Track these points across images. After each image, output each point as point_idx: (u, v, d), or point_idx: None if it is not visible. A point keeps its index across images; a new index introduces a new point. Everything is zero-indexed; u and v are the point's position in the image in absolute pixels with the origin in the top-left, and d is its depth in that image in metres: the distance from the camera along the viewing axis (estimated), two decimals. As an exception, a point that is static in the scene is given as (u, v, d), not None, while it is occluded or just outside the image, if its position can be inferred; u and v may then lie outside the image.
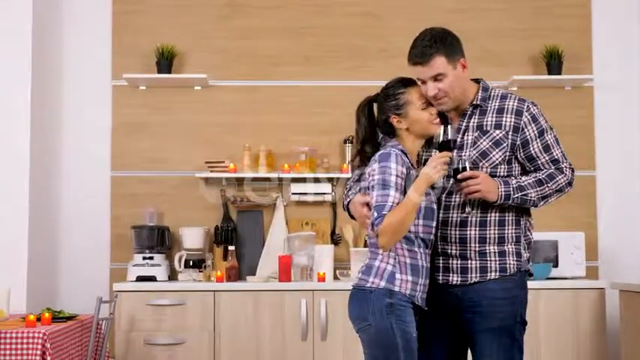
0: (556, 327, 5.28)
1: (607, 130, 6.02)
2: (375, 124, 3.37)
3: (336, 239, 5.82)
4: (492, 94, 3.37)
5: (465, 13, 6.06)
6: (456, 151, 3.26)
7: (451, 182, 3.28)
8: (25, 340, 4.06)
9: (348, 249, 5.69)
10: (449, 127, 3.22)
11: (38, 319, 4.51)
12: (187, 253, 5.65)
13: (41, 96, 5.58)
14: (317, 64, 5.99)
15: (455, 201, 3.30)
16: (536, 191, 3.27)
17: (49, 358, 4.03)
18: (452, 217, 3.31)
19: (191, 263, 5.62)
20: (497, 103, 3.34)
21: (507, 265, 3.29)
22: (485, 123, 3.31)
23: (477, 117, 3.33)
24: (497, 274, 3.28)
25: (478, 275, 3.28)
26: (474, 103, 3.33)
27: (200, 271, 5.56)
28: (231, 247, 5.58)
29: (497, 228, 3.29)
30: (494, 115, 3.32)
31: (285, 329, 5.23)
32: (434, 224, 3.28)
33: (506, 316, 3.28)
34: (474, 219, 3.28)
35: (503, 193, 3.22)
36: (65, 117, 5.93)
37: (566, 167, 3.34)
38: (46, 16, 5.70)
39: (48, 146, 5.73)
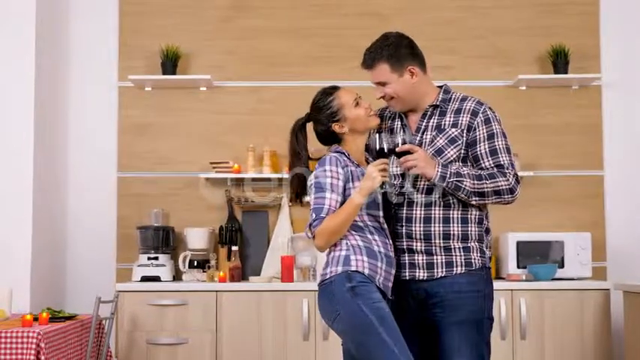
0: (561, 328, 5.23)
1: (615, 130, 5.96)
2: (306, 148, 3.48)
3: (340, 240, 5.80)
4: (453, 96, 3.46)
5: (471, 12, 6.02)
6: (393, 157, 3.33)
7: (395, 188, 3.38)
8: (19, 340, 4.09)
9: (352, 249, 5.67)
10: (383, 134, 3.32)
11: (36, 319, 4.54)
12: (192, 254, 5.66)
13: (47, 96, 5.62)
14: (322, 65, 5.98)
15: (418, 199, 3.37)
16: (473, 183, 3.27)
17: (43, 357, 4.06)
18: (416, 213, 3.36)
19: (195, 263, 5.64)
20: (456, 105, 3.43)
21: (472, 260, 3.35)
22: (443, 123, 3.40)
23: (436, 117, 3.42)
24: (464, 268, 3.34)
25: (444, 270, 3.33)
26: (434, 103, 3.42)
27: (204, 272, 5.57)
28: (234, 248, 5.59)
29: (460, 225, 3.35)
30: (453, 115, 3.40)
31: (287, 329, 5.23)
32: (380, 213, 3.36)
33: (473, 310, 3.32)
34: (437, 215, 3.33)
35: (439, 173, 3.27)
36: (72, 118, 5.97)
37: (509, 174, 3.33)
38: (52, 18, 5.74)
39: (54, 147, 5.77)
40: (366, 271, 3.24)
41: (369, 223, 3.32)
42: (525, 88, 5.93)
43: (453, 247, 3.33)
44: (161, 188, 5.95)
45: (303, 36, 6.03)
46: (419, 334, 3.40)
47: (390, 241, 3.37)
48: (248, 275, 5.68)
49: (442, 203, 3.34)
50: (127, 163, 5.95)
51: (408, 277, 3.37)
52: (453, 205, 3.34)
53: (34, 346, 4.07)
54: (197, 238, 5.69)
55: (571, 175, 5.92)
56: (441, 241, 3.33)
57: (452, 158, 3.34)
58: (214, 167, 5.78)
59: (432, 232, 3.33)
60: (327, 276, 3.28)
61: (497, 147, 3.35)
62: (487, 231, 3.45)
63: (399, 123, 3.48)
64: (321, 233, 3.22)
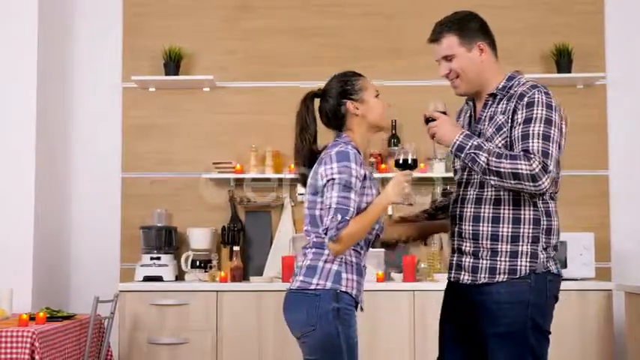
0: (562, 328, 5.18)
1: (620, 129, 5.92)
2: (315, 122, 3.32)
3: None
4: (515, 83, 3.21)
5: (474, 11, 5.97)
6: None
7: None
8: (14, 339, 4.13)
9: (355, 249, 5.66)
10: (408, 145, 3.24)
11: (33, 319, 4.57)
12: (194, 254, 5.68)
13: (51, 97, 5.66)
14: (324, 65, 5.95)
15: (470, 195, 3.22)
16: (489, 159, 3.03)
17: (37, 357, 4.09)
18: (466, 211, 3.21)
19: (198, 263, 5.65)
20: (512, 91, 3.18)
21: (518, 267, 3.11)
22: (496, 111, 3.19)
23: (493, 106, 3.21)
24: (506, 276, 3.11)
25: (487, 276, 3.14)
26: (492, 92, 3.22)
27: (206, 272, 5.59)
28: (235, 248, 5.59)
29: (510, 225, 3.12)
30: (506, 102, 3.17)
31: (287, 329, 5.19)
32: (376, 226, 3.27)
33: (513, 322, 3.09)
34: (486, 214, 3.15)
35: (458, 142, 3.09)
36: (76, 119, 6.01)
37: (535, 159, 2.99)
38: (55, 19, 5.78)
39: (58, 147, 5.81)
40: (354, 292, 3.17)
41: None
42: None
43: (500, 250, 3.12)
44: (165, 188, 5.98)
45: (306, 36, 6.03)
46: (466, 343, 3.27)
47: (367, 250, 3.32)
48: (251, 275, 5.69)
49: (493, 200, 3.14)
50: (131, 163, 5.98)
51: (452, 279, 3.26)
52: (503, 202, 3.14)
53: (28, 345, 4.10)
54: (199, 238, 5.71)
55: (575, 174, 5.87)
56: (489, 243, 3.13)
57: (499, 146, 3.11)
58: (217, 167, 5.80)
59: (480, 233, 3.15)
60: (312, 286, 3.13)
61: (530, 131, 3.03)
62: (548, 231, 3.16)
63: (469, 113, 3.34)
64: (348, 238, 3.05)
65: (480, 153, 3.04)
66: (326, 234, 3.07)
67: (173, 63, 5.87)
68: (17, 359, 4.09)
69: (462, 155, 3.08)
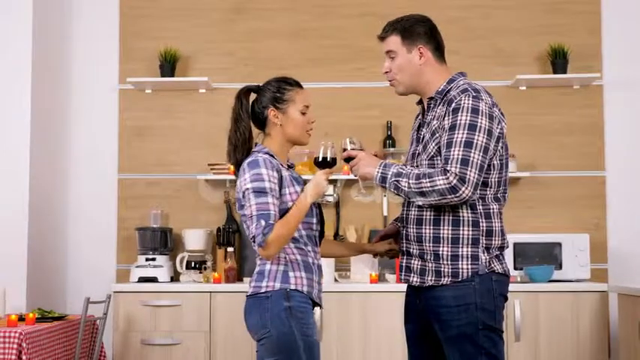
0: (556, 330, 5.18)
1: (617, 130, 5.89)
2: (249, 116, 3.37)
3: (339, 241, 5.80)
4: (453, 86, 3.23)
5: (471, 12, 5.99)
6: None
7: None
8: (1, 340, 4.14)
9: (350, 251, 5.65)
10: (328, 144, 3.32)
11: (22, 319, 4.59)
12: (189, 255, 5.69)
13: (48, 99, 5.68)
14: (321, 66, 5.98)
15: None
16: (409, 183, 3.11)
17: (24, 357, 4.11)
18: (410, 214, 3.27)
19: (193, 264, 5.66)
20: (450, 95, 3.20)
21: (460, 270, 3.15)
22: (434, 115, 3.24)
23: (434, 110, 3.26)
24: (449, 279, 3.16)
25: (433, 279, 3.19)
26: (431, 95, 3.27)
27: (201, 273, 5.60)
28: (230, 249, 5.60)
29: (450, 227, 3.17)
30: (441, 106, 3.22)
31: (280, 331, 5.22)
32: (314, 220, 3.31)
33: (462, 324, 3.14)
34: (428, 217, 3.20)
35: (379, 174, 3.19)
36: (73, 120, 6.03)
37: (451, 172, 3.05)
38: (52, 21, 5.80)
39: (55, 149, 5.83)
40: (305, 289, 3.22)
41: (303, 232, 3.26)
42: (525, 88, 5.88)
43: (441, 253, 3.17)
44: (161, 190, 5.99)
45: (303, 38, 6.03)
46: (423, 343, 3.33)
47: (319, 248, 3.36)
48: (245, 276, 5.69)
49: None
50: (127, 164, 6.00)
51: (403, 280, 3.31)
52: (443, 206, 3.17)
53: (15, 345, 4.11)
54: (194, 240, 5.72)
55: (572, 175, 5.86)
56: (431, 245, 3.18)
57: (432, 153, 3.17)
58: (212, 169, 5.81)
59: (423, 235, 3.20)
60: (262, 290, 3.19)
61: (454, 139, 3.08)
62: (489, 233, 3.18)
63: (419, 117, 3.40)
64: (276, 241, 3.10)
65: (400, 179, 3.14)
66: (254, 241, 3.13)
67: (169, 65, 5.89)
68: (4, 360, 4.12)
69: (387, 185, 3.19)
